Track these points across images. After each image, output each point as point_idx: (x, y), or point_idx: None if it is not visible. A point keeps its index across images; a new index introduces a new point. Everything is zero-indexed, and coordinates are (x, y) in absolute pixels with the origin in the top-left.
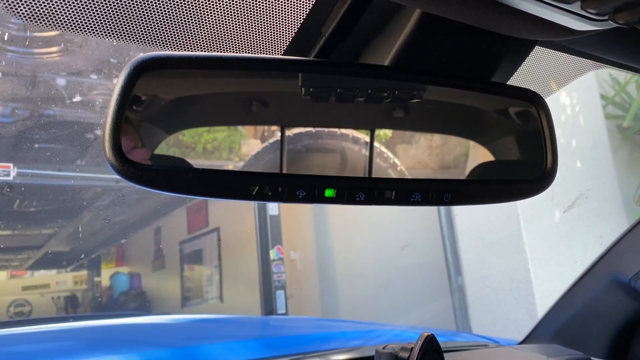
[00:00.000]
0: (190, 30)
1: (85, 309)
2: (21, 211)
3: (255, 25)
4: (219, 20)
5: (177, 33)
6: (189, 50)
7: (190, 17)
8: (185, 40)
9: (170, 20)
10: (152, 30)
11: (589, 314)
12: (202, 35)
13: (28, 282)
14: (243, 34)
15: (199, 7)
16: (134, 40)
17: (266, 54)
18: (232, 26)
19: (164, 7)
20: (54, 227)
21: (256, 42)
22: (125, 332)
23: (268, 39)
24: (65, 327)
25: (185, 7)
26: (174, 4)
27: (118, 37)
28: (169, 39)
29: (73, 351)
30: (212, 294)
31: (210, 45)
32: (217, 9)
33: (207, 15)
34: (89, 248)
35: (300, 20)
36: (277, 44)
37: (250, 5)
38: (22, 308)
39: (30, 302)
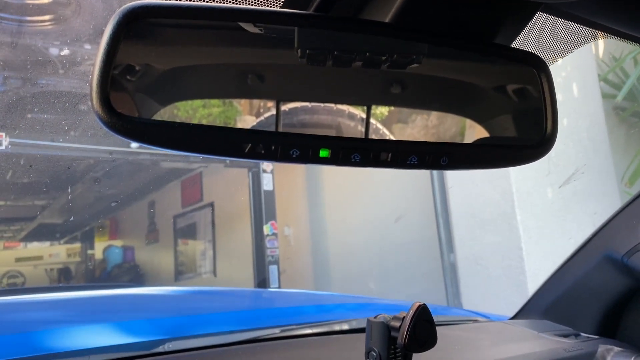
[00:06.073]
0: None
1: (78, 281)
2: (14, 182)
3: None
4: None
5: None
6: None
7: None
8: None
9: None
10: None
11: (580, 290)
12: None
13: (21, 253)
14: None
15: None
16: None
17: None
18: None
19: None
20: (47, 198)
21: None
22: (118, 302)
23: None
24: (58, 297)
25: None
26: None
27: None
28: None
29: (65, 319)
30: (205, 268)
31: None
32: None
33: None
34: (83, 220)
35: None
36: None
37: None
38: (15, 279)
39: (24, 274)
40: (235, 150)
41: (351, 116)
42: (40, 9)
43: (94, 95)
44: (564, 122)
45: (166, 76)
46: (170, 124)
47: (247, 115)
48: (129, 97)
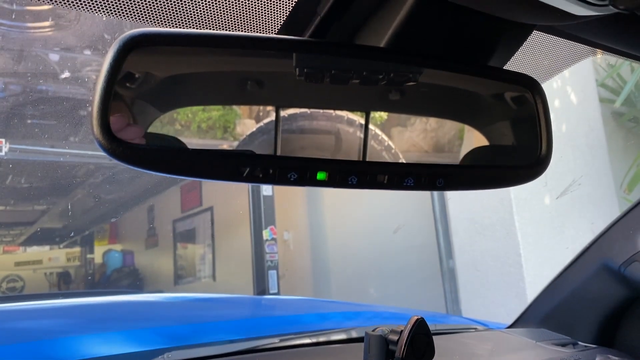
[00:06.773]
0: (184, 7)
1: (77, 285)
2: (13, 187)
3: (249, 3)
4: None
5: (171, 9)
6: (181, 28)
7: None
8: (179, 17)
9: None
10: (144, 6)
11: (577, 299)
12: (195, 12)
13: (20, 258)
14: (237, 11)
15: None
16: (125, 15)
17: (260, 33)
18: (226, 3)
19: None
20: (47, 203)
21: (250, 20)
22: (115, 310)
23: (262, 18)
24: (58, 304)
25: None
26: None
27: (109, 12)
28: (161, 15)
29: (65, 328)
30: (204, 273)
31: (203, 23)
32: None
33: None
34: (82, 225)
35: None
36: (272, 23)
37: None
38: (15, 284)
39: (23, 278)
40: (234, 175)
41: (350, 122)
42: (39, 16)
43: (95, 122)
44: (562, 127)
45: (166, 84)
46: (169, 150)
47: (246, 119)
48: (126, 105)
